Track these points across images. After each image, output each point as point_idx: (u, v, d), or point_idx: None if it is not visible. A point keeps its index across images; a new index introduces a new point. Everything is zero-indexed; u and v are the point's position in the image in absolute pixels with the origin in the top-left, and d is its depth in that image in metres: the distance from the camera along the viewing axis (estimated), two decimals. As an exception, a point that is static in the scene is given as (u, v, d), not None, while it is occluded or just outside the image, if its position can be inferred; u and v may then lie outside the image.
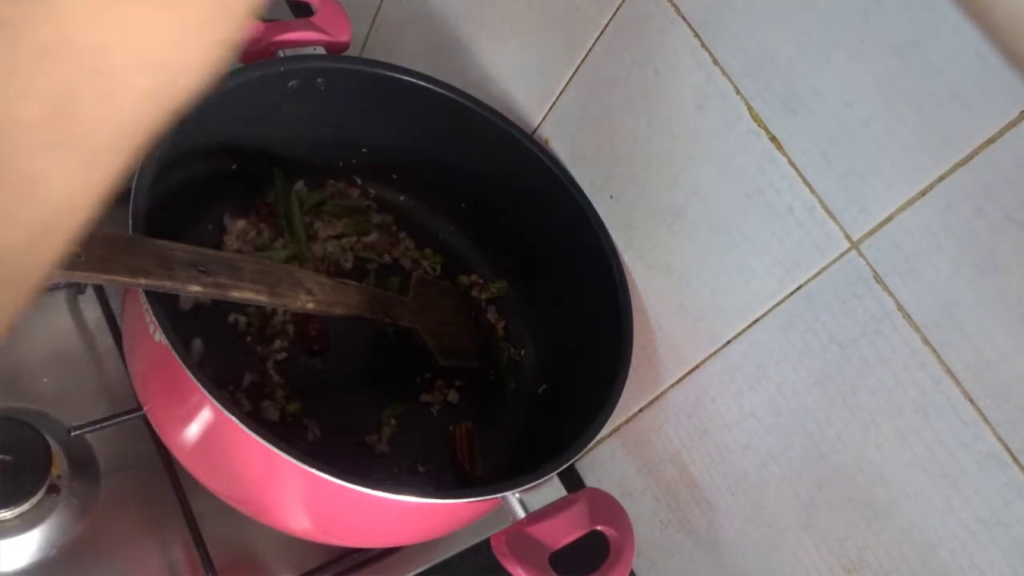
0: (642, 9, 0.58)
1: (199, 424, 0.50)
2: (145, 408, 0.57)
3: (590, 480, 0.74)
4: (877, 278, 0.50)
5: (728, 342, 0.59)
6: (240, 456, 0.50)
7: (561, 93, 0.66)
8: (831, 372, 0.53)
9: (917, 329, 0.49)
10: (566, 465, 0.53)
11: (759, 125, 0.53)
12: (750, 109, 0.53)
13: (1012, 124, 0.42)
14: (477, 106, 0.67)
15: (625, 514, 0.52)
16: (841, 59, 0.48)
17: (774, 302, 0.55)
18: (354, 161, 0.73)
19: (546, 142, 0.69)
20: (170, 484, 0.58)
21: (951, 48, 0.44)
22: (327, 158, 0.72)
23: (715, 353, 0.60)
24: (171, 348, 0.46)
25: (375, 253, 0.72)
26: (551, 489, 0.52)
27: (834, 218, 0.51)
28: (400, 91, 0.65)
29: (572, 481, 0.73)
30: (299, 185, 0.71)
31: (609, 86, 0.62)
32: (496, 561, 0.48)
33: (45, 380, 0.61)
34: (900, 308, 0.49)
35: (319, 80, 0.63)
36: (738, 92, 0.54)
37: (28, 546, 0.54)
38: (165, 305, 0.48)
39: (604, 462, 0.71)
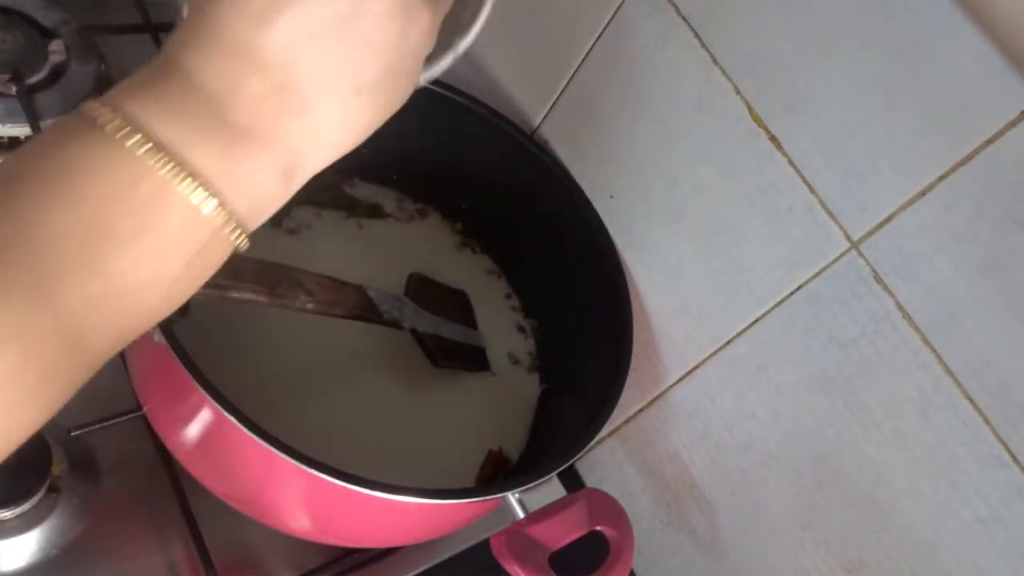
0: (642, 9, 0.58)
1: (199, 424, 0.50)
2: (145, 408, 0.57)
3: (590, 480, 0.73)
4: (877, 278, 0.50)
5: (728, 342, 0.59)
6: (240, 456, 0.50)
7: (561, 93, 0.66)
8: (831, 372, 0.53)
9: (917, 329, 0.49)
10: (566, 465, 0.53)
11: (759, 125, 0.53)
12: (750, 109, 0.53)
13: (1012, 124, 0.42)
14: (477, 106, 0.67)
15: (625, 514, 0.52)
16: (841, 59, 0.48)
17: (774, 302, 0.55)
18: (354, 161, 0.73)
19: (546, 142, 0.69)
20: (170, 484, 0.58)
21: (951, 48, 0.44)
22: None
23: (715, 353, 0.60)
24: (171, 349, 0.46)
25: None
26: (551, 489, 0.52)
27: (834, 218, 0.51)
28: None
29: (572, 481, 0.73)
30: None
31: (609, 86, 0.62)
32: (496, 561, 0.48)
33: (45, 380, 0.61)
34: (900, 308, 0.49)
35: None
36: (738, 92, 0.54)
37: (28, 546, 0.54)
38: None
39: (604, 462, 0.71)
